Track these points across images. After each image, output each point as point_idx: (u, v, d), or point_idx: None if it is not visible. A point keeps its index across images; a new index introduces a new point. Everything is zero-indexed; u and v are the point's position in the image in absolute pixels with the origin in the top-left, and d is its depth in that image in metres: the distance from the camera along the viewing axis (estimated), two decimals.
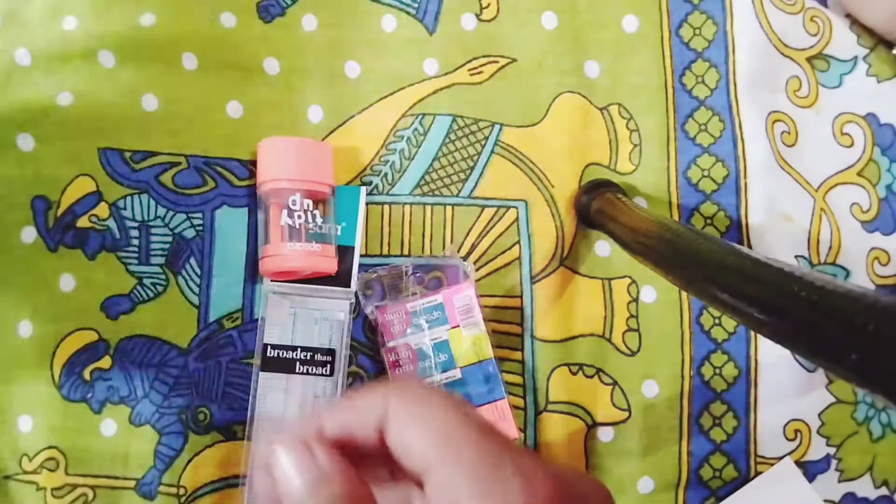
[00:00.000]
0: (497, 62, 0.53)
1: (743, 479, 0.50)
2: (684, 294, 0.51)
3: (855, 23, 0.54)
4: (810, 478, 0.50)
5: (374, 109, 0.52)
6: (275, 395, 0.48)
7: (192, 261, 0.50)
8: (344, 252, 0.49)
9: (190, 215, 0.50)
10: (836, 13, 0.54)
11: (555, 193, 0.52)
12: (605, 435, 0.50)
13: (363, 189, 0.50)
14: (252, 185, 0.51)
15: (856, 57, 0.54)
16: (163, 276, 0.50)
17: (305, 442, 0.23)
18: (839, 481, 0.50)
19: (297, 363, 0.48)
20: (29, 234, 0.49)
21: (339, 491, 0.22)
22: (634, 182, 0.52)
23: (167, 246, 0.50)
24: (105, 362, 0.49)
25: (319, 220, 0.47)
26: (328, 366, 0.49)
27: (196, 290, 0.50)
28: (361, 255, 0.50)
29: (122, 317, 0.49)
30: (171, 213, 0.50)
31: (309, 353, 0.48)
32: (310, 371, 0.48)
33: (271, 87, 0.51)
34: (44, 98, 0.50)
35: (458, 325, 0.49)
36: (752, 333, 0.51)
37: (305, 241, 0.47)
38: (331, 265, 0.48)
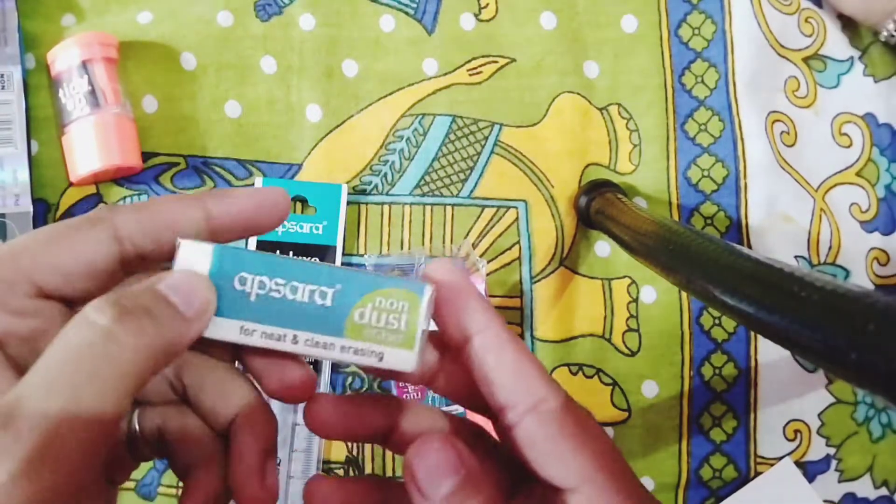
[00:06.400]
0: (496, 62, 0.53)
1: (743, 480, 0.50)
2: (684, 294, 0.51)
3: (846, 24, 0.54)
4: (810, 478, 0.50)
5: (373, 109, 0.52)
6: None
7: None
8: (325, 252, 0.49)
9: None
10: (830, 14, 0.54)
11: (555, 193, 0.52)
12: None
13: (344, 187, 0.50)
14: (250, 184, 0.51)
15: (852, 57, 0.54)
16: None
17: (451, 441, 0.22)
18: (839, 481, 0.50)
19: None
20: None
21: (488, 496, 0.21)
22: (634, 182, 0.52)
23: None
24: None
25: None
26: (312, 365, 0.49)
27: None
28: (360, 255, 0.50)
29: None
30: None
31: None
32: None
33: (269, 86, 0.51)
34: (45, 102, 0.50)
35: None
36: (752, 334, 0.51)
37: None
38: None
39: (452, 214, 0.51)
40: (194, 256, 0.23)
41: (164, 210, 0.23)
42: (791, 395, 0.51)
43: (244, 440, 0.24)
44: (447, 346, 0.24)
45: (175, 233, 0.23)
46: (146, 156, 0.50)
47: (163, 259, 0.23)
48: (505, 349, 0.23)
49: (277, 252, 0.49)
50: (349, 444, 0.49)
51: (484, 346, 0.23)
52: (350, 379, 0.50)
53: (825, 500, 0.50)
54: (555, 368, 0.50)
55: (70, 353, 0.19)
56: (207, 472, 0.24)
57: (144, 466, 0.48)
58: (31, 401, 0.19)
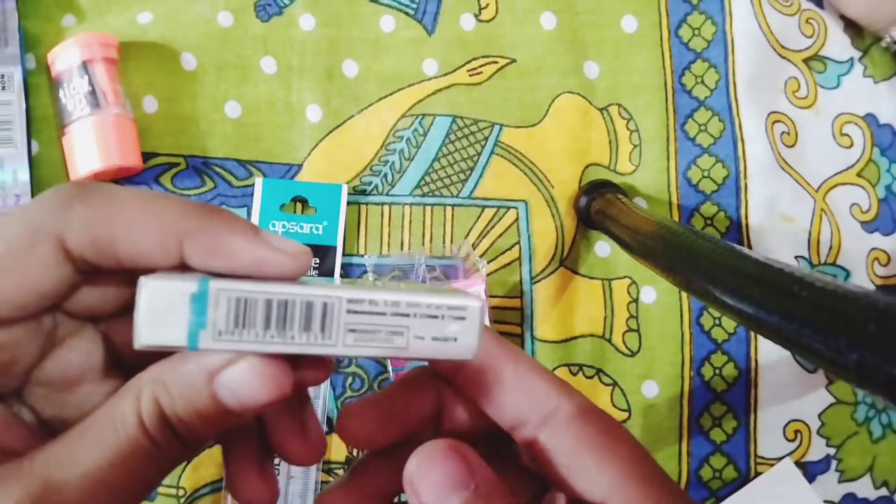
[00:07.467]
0: (496, 63, 0.53)
1: (743, 480, 0.50)
2: (684, 294, 0.51)
3: (848, 25, 0.54)
4: (810, 478, 0.50)
5: (373, 110, 0.52)
6: None
7: None
8: (325, 252, 0.49)
9: None
10: (831, 15, 0.54)
11: (555, 194, 0.52)
12: None
13: (344, 187, 0.50)
14: (250, 184, 0.51)
15: (852, 58, 0.54)
16: None
17: (458, 449, 0.19)
18: (839, 482, 0.50)
19: None
20: None
21: None
22: (634, 182, 0.52)
23: None
24: None
25: None
26: None
27: None
28: (360, 256, 0.50)
29: None
30: None
31: None
32: None
33: (269, 86, 0.51)
34: (45, 102, 0.50)
35: None
36: (752, 334, 0.51)
37: None
38: None
39: (452, 215, 0.51)
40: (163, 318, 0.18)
41: (127, 232, 0.19)
42: (791, 395, 0.51)
43: (238, 439, 0.22)
44: (440, 378, 0.22)
45: (137, 257, 0.19)
46: (146, 156, 0.50)
47: (121, 279, 0.20)
48: (502, 363, 0.21)
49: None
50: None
51: (478, 366, 0.21)
52: (350, 379, 0.50)
53: (825, 501, 0.50)
54: (555, 369, 0.50)
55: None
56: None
57: None
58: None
